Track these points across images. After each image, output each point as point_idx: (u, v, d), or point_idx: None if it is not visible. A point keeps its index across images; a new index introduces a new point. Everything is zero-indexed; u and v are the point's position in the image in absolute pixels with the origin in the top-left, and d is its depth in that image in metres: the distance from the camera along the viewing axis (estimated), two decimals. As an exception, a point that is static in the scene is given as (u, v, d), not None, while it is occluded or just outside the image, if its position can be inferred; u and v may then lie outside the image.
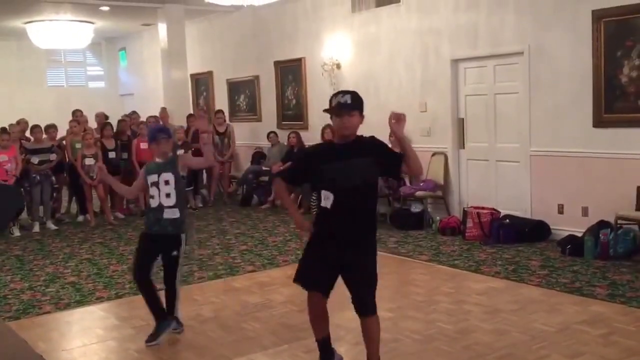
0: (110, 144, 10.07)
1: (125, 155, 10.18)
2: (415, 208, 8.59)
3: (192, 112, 12.48)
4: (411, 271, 6.46)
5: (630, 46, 6.55)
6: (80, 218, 10.11)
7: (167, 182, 4.51)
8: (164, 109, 11.75)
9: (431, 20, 8.71)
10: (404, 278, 6.27)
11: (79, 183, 9.84)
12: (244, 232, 8.63)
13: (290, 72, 11.26)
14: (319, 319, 3.81)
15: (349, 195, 3.52)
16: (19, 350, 2.73)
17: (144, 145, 10.25)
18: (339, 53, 10.12)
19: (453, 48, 8.46)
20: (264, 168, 11.00)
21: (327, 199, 3.55)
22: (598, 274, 5.94)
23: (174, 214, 4.53)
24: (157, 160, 4.63)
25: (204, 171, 11.50)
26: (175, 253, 4.58)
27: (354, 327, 4.87)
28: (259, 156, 11.61)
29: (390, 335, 4.55)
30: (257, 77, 12.12)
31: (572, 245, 6.67)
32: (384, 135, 9.58)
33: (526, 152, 7.70)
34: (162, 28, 12.24)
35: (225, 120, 11.65)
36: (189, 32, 12.65)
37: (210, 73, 13.44)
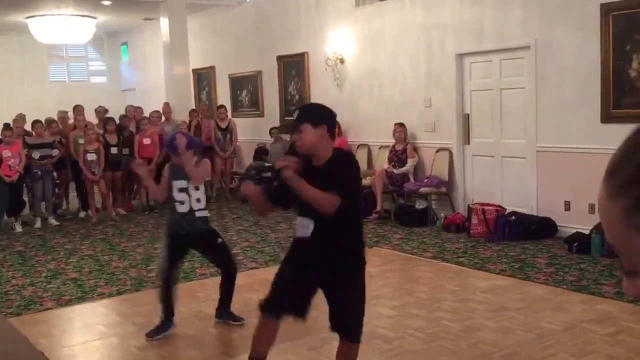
0: (112, 139, 10.02)
1: (126, 151, 10.12)
2: (420, 205, 8.52)
3: (194, 107, 12.43)
4: (415, 268, 6.40)
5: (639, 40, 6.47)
6: (82, 214, 10.07)
7: (197, 188, 4.66)
8: (166, 104, 11.69)
9: (436, 15, 8.62)
10: (408, 275, 6.20)
11: (81, 178, 9.79)
12: (247, 229, 8.57)
13: (293, 67, 11.19)
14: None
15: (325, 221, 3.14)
16: (20, 347, 2.69)
17: (146, 141, 10.21)
18: (343, 48, 10.04)
19: (458, 42, 8.37)
20: (266, 164, 10.91)
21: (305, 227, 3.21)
22: (605, 272, 5.86)
23: (205, 213, 4.74)
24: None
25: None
26: (220, 240, 4.81)
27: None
28: (261, 152, 11.54)
29: (394, 334, 4.49)
30: (259, 72, 12.04)
31: (579, 243, 6.60)
32: (387, 132, 9.42)
33: (532, 148, 7.62)
34: (164, 22, 12.17)
35: (227, 116, 11.58)
36: (191, 26, 12.58)
37: (212, 68, 13.37)
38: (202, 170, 4.74)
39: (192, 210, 4.61)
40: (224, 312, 4.88)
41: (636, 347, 4.11)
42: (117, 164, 9.93)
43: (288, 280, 3.31)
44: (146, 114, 11.22)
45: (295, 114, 3.25)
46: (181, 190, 4.60)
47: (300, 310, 3.30)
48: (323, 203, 3.04)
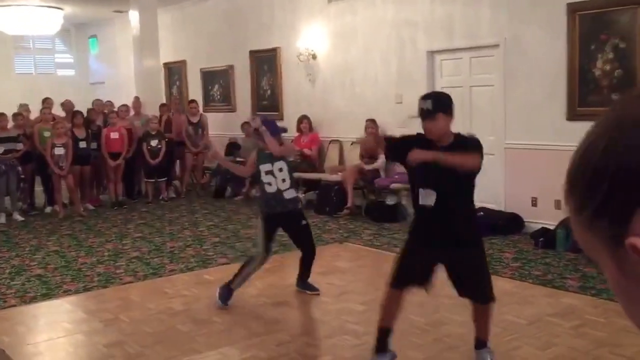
0: (81, 133, 9.88)
1: (94, 145, 9.99)
2: (391, 200, 8.56)
3: (164, 101, 12.33)
4: (385, 264, 6.36)
5: (605, 40, 6.57)
6: (49, 209, 9.92)
7: (280, 170, 5.07)
8: (137, 98, 11.57)
9: (407, 12, 8.66)
10: (378, 271, 6.21)
11: (47, 173, 9.64)
12: (217, 224, 8.54)
13: (266, 62, 11.15)
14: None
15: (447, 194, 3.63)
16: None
17: (114, 135, 10.10)
18: (315, 44, 10.04)
19: (429, 40, 8.42)
20: (238, 159, 10.89)
21: (429, 197, 3.61)
22: (570, 267, 5.96)
23: (292, 194, 5.16)
24: (266, 151, 5.09)
25: (177, 162, 11.38)
26: (304, 222, 5.23)
27: (327, 319, 4.83)
28: (233, 147, 11.50)
29: (364, 328, 4.51)
30: (231, 67, 11.98)
31: (545, 238, 6.70)
32: (358, 128, 9.45)
33: (501, 145, 7.71)
34: (134, 15, 12.04)
35: (198, 110, 11.50)
36: (162, 19, 12.46)
37: (183, 62, 13.26)
38: (287, 148, 5.43)
39: (279, 191, 5.07)
40: (302, 282, 5.42)
41: (599, 340, 4.19)
42: (86, 159, 9.81)
43: (412, 257, 3.76)
44: (116, 107, 11.11)
45: (429, 104, 3.56)
46: (267, 172, 5.08)
47: (422, 282, 3.77)
48: (467, 160, 3.50)
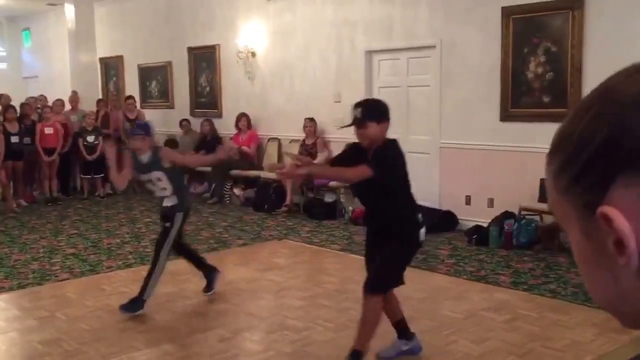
0: (13, 127, 9.59)
1: (28, 140, 9.73)
2: (329, 198, 8.66)
3: (101, 97, 12.09)
4: (324, 260, 6.51)
5: (537, 43, 6.82)
6: (-21, 205, 9.61)
7: (159, 179, 4.81)
8: (74, 93, 11.31)
9: (346, 11, 8.77)
10: (316, 267, 6.31)
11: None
12: (156, 221, 8.41)
13: (204, 59, 11.08)
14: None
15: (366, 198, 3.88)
16: None
17: (48, 131, 9.86)
18: (254, 41, 10.03)
19: (368, 40, 8.55)
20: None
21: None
22: (502, 263, 6.17)
23: (172, 201, 4.88)
24: (142, 157, 4.83)
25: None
26: (168, 224, 4.91)
27: (267, 315, 4.88)
28: (171, 144, 11.36)
29: (303, 324, 4.57)
30: (169, 63, 11.84)
31: (478, 235, 6.91)
32: (297, 126, 9.51)
33: (436, 144, 7.89)
34: (69, 9, 11.76)
35: (136, 107, 11.34)
36: (98, 14, 12.22)
37: (120, 57, 13.02)
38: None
39: (161, 198, 4.97)
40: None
41: (531, 333, 4.36)
42: (18, 154, 9.55)
43: (365, 248, 3.99)
44: (50, 102, 10.83)
45: (359, 112, 3.61)
46: (147, 182, 4.95)
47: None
48: (344, 173, 3.72)
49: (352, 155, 3.81)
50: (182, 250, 5.26)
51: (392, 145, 3.67)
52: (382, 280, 3.72)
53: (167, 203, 4.91)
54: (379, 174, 3.50)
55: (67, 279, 5.90)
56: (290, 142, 9.46)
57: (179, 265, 6.32)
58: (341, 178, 3.71)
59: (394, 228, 3.71)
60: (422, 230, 3.76)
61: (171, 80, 11.90)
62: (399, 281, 3.83)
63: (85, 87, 11.68)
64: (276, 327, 4.59)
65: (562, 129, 0.64)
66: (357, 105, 3.68)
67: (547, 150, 0.65)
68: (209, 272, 5.27)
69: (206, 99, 11.17)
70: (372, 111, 3.63)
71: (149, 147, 4.83)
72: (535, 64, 6.86)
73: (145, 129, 4.99)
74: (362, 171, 3.52)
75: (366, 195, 3.84)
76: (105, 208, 9.44)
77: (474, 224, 7.25)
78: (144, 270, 6.09)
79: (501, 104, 7.17)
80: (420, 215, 3.76)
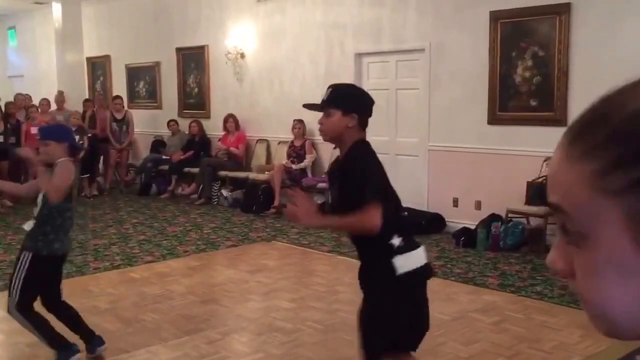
0: (-2, 127, 9.53)
1: (13, 140, 9.66)
2: (317, 200, 8.65)
3: (87, 96, 12.03)
4: (313, 262, 6.52)
5: (524, 47, 6.87)
6: (-36, 205, 9.51)
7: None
8: (60, 93, 11.24)
9: (336, 14, 8.79)
10: (305, 269, 6.31)
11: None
12: (142, 222, 8.41)
13: (193, 60, 11.05)
14: None
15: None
16: None
17: (34, 130, 9.77)
18: (244, 42, 10.02)
19: (357, 42, 8.57)
20: (163, 157, 10.78)
21: None
22: (489, 265, 6.21)
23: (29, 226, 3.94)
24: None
25: (101, 158, 11.13)
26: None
27: (256, 317, 4.87)
28: (158, 145, 11.35)
29: (292, 326, 4.57)
30: (157, 64, 11.80)
31: (466, 237, 6.94)
32: (286, 127, 9.51)
33: (424, 147, 7.93)
34: (56, 8, 11.69)
35: (123, 107, 11.30)
36: (86, 13, 12.15)
37: (107, 57, 12.96)
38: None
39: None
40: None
41: (519, 335, 4.39)
42: (4, 153, 9.47)
43: None
44: (36, 101, 10.76)
45: (326, 93, 2.79)
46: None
47: None
48: (363, 221, 2.60)
49: (331, 166, 3.06)
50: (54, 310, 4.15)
51: (365, 151, 2.77)
52: (371, 347, 2.89)
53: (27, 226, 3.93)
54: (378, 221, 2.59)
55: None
56: (279, 144, 9.46)
57: (163, 268, 6.31)
58: (363, 228, 2.63)
59: (366, 270, 2.86)
60: (402, 258, 2.70)
61: (159, 81, 11.86)
62: (400, 345, 3.06)
63: (72, 87, 11.62)
64: (265, 329, 4.59)
65: (600, 127, 0.57)
66: (330, 86, 2.87)
67: (572, 130, 0.60)
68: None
69: (194, 99, 11.14)
70: (341, 96, 2.79)
71: (57, 157, 3.84)
72: (522, 68, 6.90)
73: (50, 134, 3.96)
74: (373, 215, 2.58)
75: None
76: (92, 209, 9.38)
77: (461, 226, 7.28)
78: (131, 271, 6.10)
79: (489, 107, 7.21)
80: (400, 240, 2.70)
